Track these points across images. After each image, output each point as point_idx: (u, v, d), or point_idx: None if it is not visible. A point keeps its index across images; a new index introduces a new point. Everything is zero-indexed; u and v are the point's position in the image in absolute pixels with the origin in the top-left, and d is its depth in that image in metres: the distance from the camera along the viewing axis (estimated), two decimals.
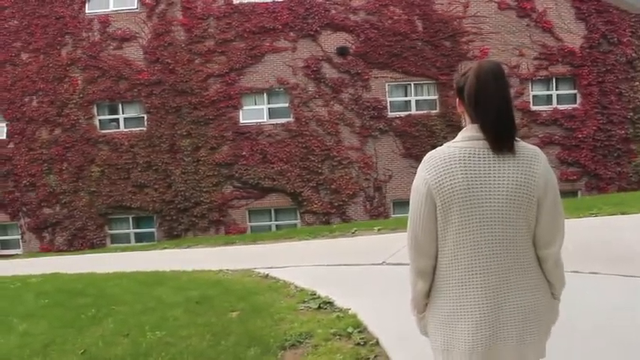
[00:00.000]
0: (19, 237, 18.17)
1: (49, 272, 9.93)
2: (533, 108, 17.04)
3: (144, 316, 5.99)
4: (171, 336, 5.19)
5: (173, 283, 7.82)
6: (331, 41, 16.82)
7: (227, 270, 8.78)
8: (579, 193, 16.96)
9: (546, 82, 17.31)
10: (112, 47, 17.46)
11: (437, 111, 17.01)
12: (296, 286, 6.88)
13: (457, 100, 2.28)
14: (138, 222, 17.95)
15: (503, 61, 16.52)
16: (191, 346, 4.85)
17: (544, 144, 16.76)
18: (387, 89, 17.12)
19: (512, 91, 16.82)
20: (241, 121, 17.25)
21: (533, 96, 17.20)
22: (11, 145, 17.92)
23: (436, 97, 17.12)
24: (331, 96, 16.99)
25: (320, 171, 17.02)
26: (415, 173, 2.26)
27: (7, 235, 18.38)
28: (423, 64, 16.97)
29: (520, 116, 16.78)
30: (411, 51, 16.97)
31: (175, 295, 6.89)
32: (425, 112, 17.05)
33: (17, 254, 17.70)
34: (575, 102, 17.22)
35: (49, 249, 17.66)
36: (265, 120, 17.27)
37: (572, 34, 16.99)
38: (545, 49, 16.98)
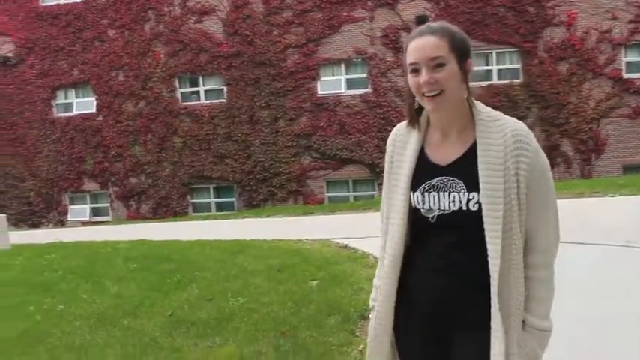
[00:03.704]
0: (109, 205, 19.09)
1: (136, 238, 10.36)
2: (626, 76, 16.03)
3: (226, 283, 6.14)
4: (254, 302, 5.30)
5: (254, 251, 7.97)
6: (410, 9, 16.44)
7: (306, 239, 8.87)
8: None
9: None
10: (192, 21, 17.79)
11: (520, 80, 16.37)
12: (375, 257, 6.84)
13: (463, 66, 1.73)
14: (218, 192, 18.43)
15: (593, 26, 15.69)
16: (272, 313, 4.93)
17: (636, 115, 15.86)
18: None
19: (603, 58, 15.94)
20: (319, 92, 17.25)
21: (627, 62, 16.17)
22: (100, 118, 18.73)
23: (519, 65, 16.46)
24: None
25: None
26: None
27: (97, 203, 19.35)
28: (505, 32, 16.30)
29: (611, 85, 15.91)
30: (493, 18, 16.34)
31: (256, 263, 7.02)
32: (507, 81, 16.44)
33: (107, 221, 18.62)
34: None
35: (135, 217, 18.45)
36: (343, 91, 17.19)
37: None
38: None
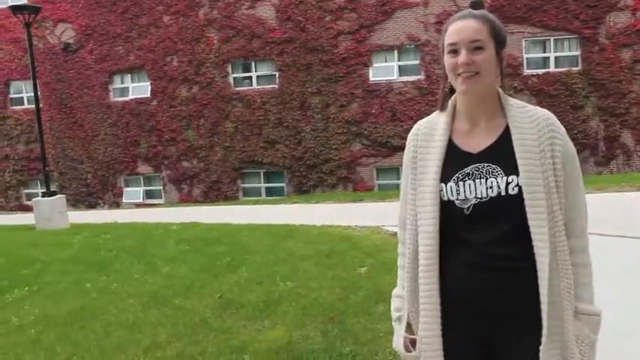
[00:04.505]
0: (161, 188, 19.52)
1: (187, 221, 10.56)
2: None
3: (275, 267, 6.20)
4: (302, 287, 5.32)
5: (303, 236, 8.01)
6: None
7: (355, 226, 8.86)
8: None
9: None
10: (245, 7, 17.89)
11: (578, 68, 15.83)
12: None
13: (500, 55, 1.73)
14: (269, 177, 18.59)
15: None
16: (321, 298, 4.94)
17: None
18: (523, 45, 16.15)
19: None
20: (371, 78, 17.12)
21: None
22: (154, 103, 19.11)
23: (578, 53, 15.91)
24: None
25: None
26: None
27: (151, 185, 19.82)
28: (565, 17, 15.76)
29: None
30: (552, 3, 15.79)
31: (305, 248, 7.05)
32: (565, 69, 15.93)
33: (160, 203, 19.06)
34: None
35: (187, 199, 18.81)
36: (395, 77, 17.01)
37: None
38: None
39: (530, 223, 1.62)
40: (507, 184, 1.65)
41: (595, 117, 15.52)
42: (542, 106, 1.75)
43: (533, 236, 1.62)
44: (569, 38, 16.01)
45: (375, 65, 17.15)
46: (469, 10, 1.77)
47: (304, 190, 17.69)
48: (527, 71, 16.10)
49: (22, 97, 20.88)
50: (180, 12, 18.49)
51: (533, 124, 1.69)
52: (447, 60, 1.72)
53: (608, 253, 5.55)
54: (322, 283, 5.38)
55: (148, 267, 6.63)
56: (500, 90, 1.77)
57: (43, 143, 12.65)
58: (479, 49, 1.67)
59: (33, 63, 12.41)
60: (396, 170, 17.27)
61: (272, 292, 5.19)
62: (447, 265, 1.74)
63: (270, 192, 18.46)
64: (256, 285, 5.50)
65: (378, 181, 17.40)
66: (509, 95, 1.79)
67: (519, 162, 1.65)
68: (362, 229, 8.63)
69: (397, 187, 15.58)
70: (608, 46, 15.43)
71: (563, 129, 1.72)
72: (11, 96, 21.07)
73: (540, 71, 16.08)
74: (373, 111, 16.98)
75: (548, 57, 16.26)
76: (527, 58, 16.19)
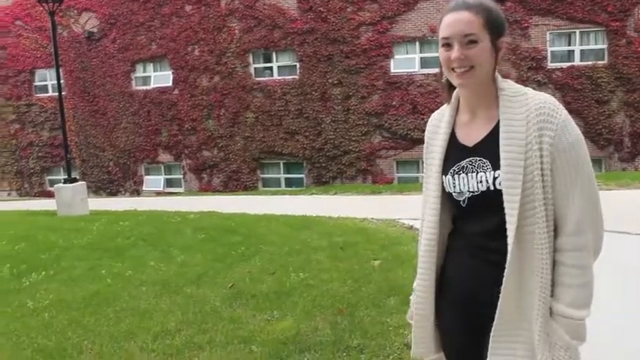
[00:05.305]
0: (182, 177, 19.65)
1: (205, 210, 10.62)
2: None
3: (289, 257, 6.21)
4: (314, 278, 5.32)
5: (319, 227, 8.01)
6: None
7: (372, 218, 8.84)
8: None
9: None
10: None
11: (604, 62, 15.52)
12: None
13: (496, 44, 1.67)
14: (288, 167, 18.60)
15: None
16: (332, 290, 4.94)
17: None
18: (548, 38, 15.88)
19: None
20: (392, 70, 16.98)
21: None
22: (176, 92, 19.20)
23: (604, 46, 15.59)
24: None
25: None
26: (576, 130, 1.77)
27: (171, 174, 19.95)
28: (591, 9, 15.44)
29: None
30: None
31: (320, 240, 7.05)
32: (590, 63, 15.62)
33: (180, 192, 19.19)
34: None
35: (206, 189, 18.91)
36: (417, 70, 16.85)
37: None
38: None
39: (506, 218, 1.61)
40: (494, 178, 1.65)
41: (620, 112, 15.22)
42: (566, 101, 1.66)
43: (507, 230, 1.61)
44: (595, 31, 15.69)
45: (396, 57, 17.00)
46: None
47: (323, 181, 17.66)
48: (551, 64, 15.84)
49: (46, 85, 21.14)
50: (202, 1, 18.51)
51: (523, 114, 1.64)
52: (441, 54, 1.69)
53: (633, 252, 5.44)
54: (334, 275, 5.38)
55: (163, 255, 6.68)
56: (499, 78, 1.72)
57: (65, 131, 12.78)
58: (472, 42, 1.63)
59: (57, 51, 12.52)
60: (415, 163, 17.16)
61: (283, 283, 5.20)
62: (451, 249, 1.82)
63: (289, 183, 18.48)
64: (268, 275, 5.52)
65: (398, 174, 17.30)
66: (524, 84, 1.75)
67: (502, 156, 1.62)
68: (378, 221, 8.60)
69: (417, 179, 15.65)
70: (636, 39, 15.10)
71: (560, 117, 1.63)
72: (36, 84, 21.35)
73: (565, 65, 15.80)
74: (394, 103, 16.86)
75: (574, 50, 15.97)
76: (551, 51, 15.93)
